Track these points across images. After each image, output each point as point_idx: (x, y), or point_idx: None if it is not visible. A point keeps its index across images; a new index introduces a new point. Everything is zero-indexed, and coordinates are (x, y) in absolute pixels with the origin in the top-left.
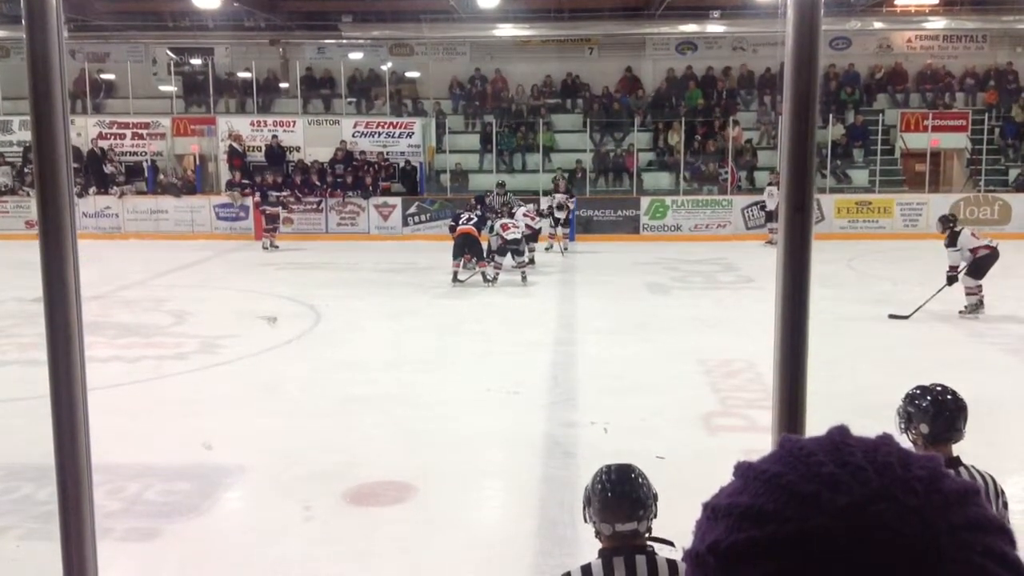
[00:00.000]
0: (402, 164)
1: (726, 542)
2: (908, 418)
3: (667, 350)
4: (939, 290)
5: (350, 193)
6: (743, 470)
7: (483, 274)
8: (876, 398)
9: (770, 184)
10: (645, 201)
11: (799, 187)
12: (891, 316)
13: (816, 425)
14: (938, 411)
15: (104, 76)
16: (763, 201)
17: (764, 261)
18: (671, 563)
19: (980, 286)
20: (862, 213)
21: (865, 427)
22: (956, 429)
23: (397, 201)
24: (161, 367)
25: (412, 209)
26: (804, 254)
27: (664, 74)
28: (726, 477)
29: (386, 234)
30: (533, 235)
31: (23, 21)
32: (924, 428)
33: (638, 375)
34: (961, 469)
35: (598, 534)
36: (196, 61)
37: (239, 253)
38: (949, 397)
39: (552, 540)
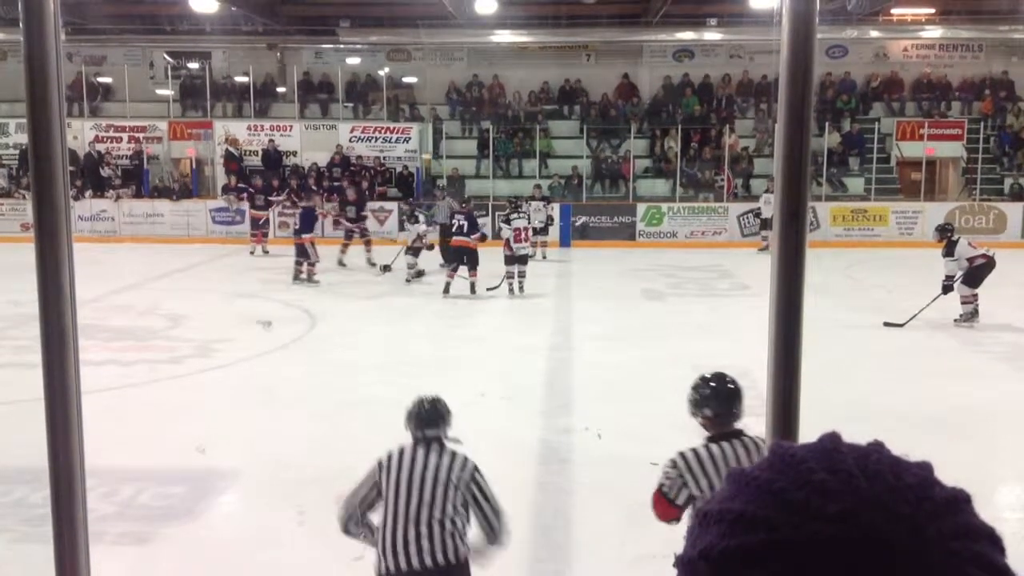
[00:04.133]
0: (399, 169)
1: (718, 548)
2: (696, 404)
3: (662, 356)
4: (934, 299)
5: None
6: (735, 476)
7: (470, 285)
8: (870, 405)
9: (767, 192)
10: (641, 208)
11: (793, 195)
12: (886, 324)
13: (810, 432)
14: (719, 396)
15: (101, 79)
16: (759, 208)
17: (759, 268)
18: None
19: (976, 295)
20: (857, 221)
21: (859, 434)
22: (734, 412)
23: (393, 206)
24: (156, 371)
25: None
26: (798, 262)
27: (661, 81)
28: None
29: (382, 238)
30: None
31: (21, 24)
32: (708, 412)
33: (633, 381)
34: (744, 439)
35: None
36: (193, 65)
37: (235, 257)
38: (729, 385)
39: (546, 546)
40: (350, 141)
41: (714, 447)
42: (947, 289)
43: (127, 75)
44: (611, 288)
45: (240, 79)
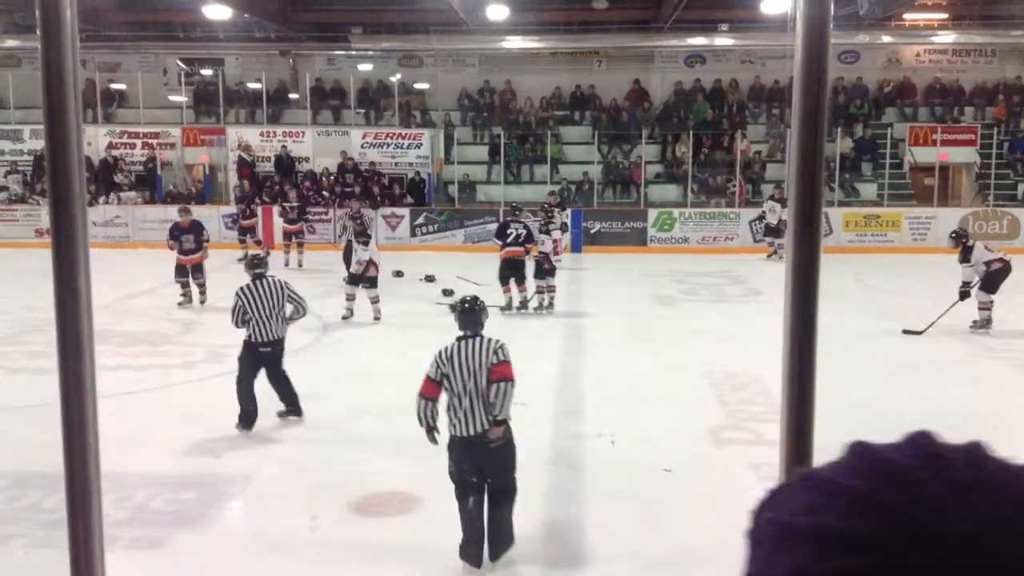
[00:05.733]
0: (410, 175)
1: (815, 571)
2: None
3: (674, 363)
4: (952, 305)
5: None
6: (817, 482)
7: (525, 301)
8: (884, 412)
9: (770, 199)
10: (653, 213)
11: (808, 200)
12: (905, 331)
13: (823, 439)
14: (463, 313)
15: (115, 86)
16: (763, 214)
17: (772, 274)
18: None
19: (992, 301)
20: (870, 227)
21: (861, 438)
22: (474, 323)
23: (405, 212)
24: (169, 376)
25: (420, 220)
26: (813, 268)
27: (672, 87)
28: (733, 490)
29: (394, 244)
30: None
31: (38, 31)
32: (458, 323)
33: (645, 388)
34: (480, 338)
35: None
36: (207, 71)
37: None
38: (467, 304)
39: (558, 552)
40: (362, 147)
41: (461, 344)
42: (964, 295)
43: (141, 82)
44: (622, 294)
45: (253, 85)
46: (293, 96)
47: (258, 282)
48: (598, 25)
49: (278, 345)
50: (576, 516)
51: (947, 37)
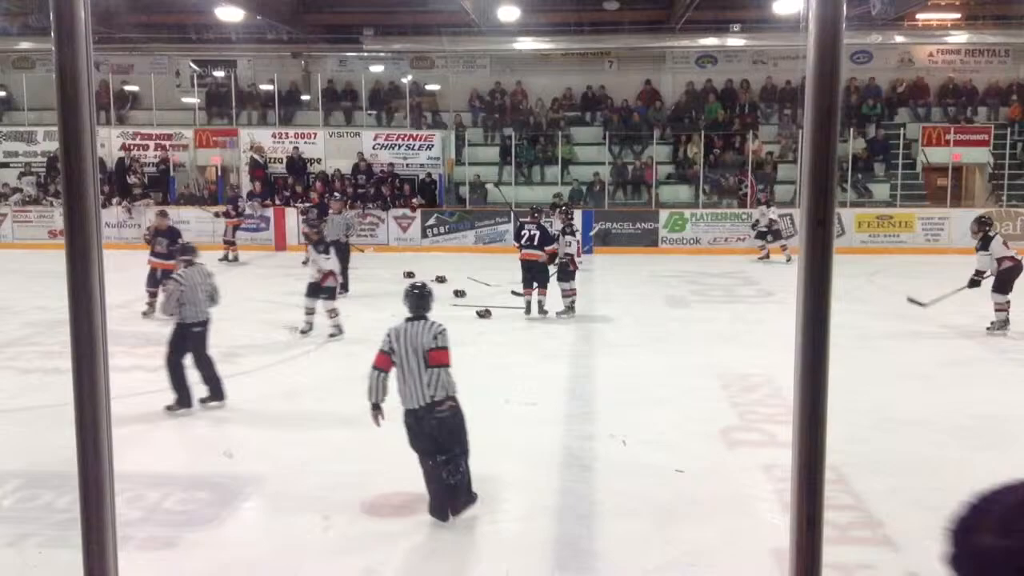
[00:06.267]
0: (422, 176)
1: None
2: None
3: (685, 364)
4: (958, 289)
5: (370, 205)
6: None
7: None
8: (896, 413)
9: (760, 203)
10: (664, 214)
11: (821, 201)
12: (909, 300)
13: (836, 440)
14: (410, 297)
15: (128, 88)
16: (787, 214)
17: (784, 275)
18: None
19: (1008, 302)
20: (883, 227)
21: (884, 442)
22: (420, 307)
23: (416, 213)
24: None
25: (431, 221)
26: (825, 268)
27: (684, 87)
28: (746, 492)
29: (405, 245)
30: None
31: (52, 34)
32: (405, 306)
33: (656, 388)
34: (425, 321)
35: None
36: (219, 73)
37: (259, 263)
38: (416, 289)
39: (569, 553)
40: (373, 148)
41: (408, 324)
42: (974, 283)
43: (153, 83)
44: (634, 295)
45: (265, 87)
46: (305, 98)
47: (190, 268)
48: (609, 26)
49: (206, 327)
50: (587, 517)
51: (960, 37)
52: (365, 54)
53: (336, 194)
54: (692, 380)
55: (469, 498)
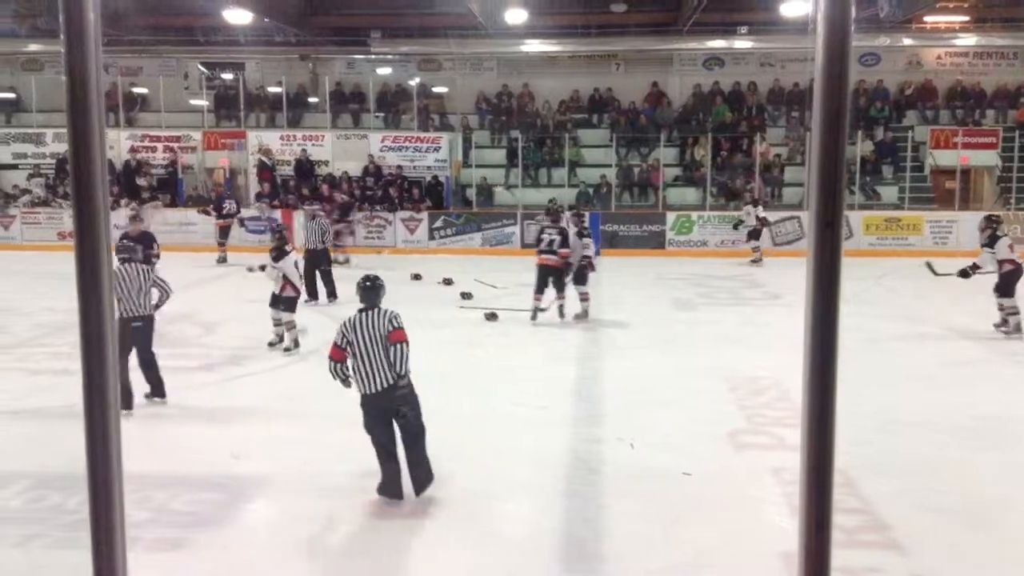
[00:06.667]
0: (428, 178)
1: None
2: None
3: (693, 366)
4: (949, 274)
5: (377, 207)
6: None
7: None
8: (902, 415)
9: (746, 203)
10: (671, 216)
11: (829, 203)
12: (927, 265)
13: (844, 443)
14: (363, 290)
15: (136, 90)
16: (795, 216)
17: (791, 277)
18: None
19: (1016, 306)
20: (891, 230)
21: (889, 444)
22: (372, 298)
23: (423, 215)
24: (189, 378)
25: (438, 223)
26: (834, 271)
27: (691, 89)
28: (754, 495)
29: (412, 247)
30: None
31: (61, 36)
32: (359, 297)
33: (663, 391)
34: (379, 310)
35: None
36: (227, 75)
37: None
38: (368, 283)
39: (577, 556)
40: (380, 151)
41: (361, 315)
42: (964, 274)
43: (162, 86)
44: (641, 297)
45: (273, 89)
46: (313, 100)
47: (125, 264)
48: (616, 28)
49: (147, 322)
50: (594, 519)
51: (969, 39)
52: (373, 56)
53: (314, 202)
54: (699, 383)
55: (430, 476)
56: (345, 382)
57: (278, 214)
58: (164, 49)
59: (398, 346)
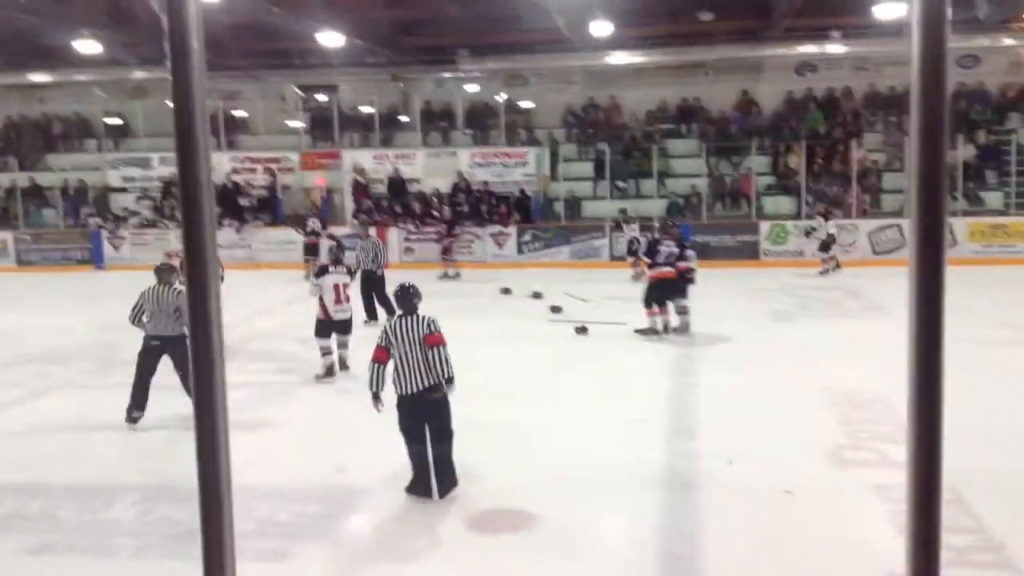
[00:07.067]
0: (516, 193)
1: None
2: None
3: (791, 380)
4: None
5: (467, 223)
6: None
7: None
8: (1012, 429)
9: (819, 215)
10: (765, 226)
11: (931, 210)
12: None
13: (950, 458)
14: (399, 297)
15: (236, 113)
16: (895, 224)
17: (892, 287)
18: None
19: None
20: (997, 237)
21: (1000, 459)
22: (410, 304)
23: (512, 229)
24: (292, 392)
25: (526, 237)
26: (937, 280)
27: (783, 96)
28: (858, 513)
29: (501, 262)
30: None
31: (167, 63)
32: (395, 306)
33: (761, 406)
34: (418, 315)
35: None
36: (322, 97)
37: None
38: (403, 290)
39: (676, 573)
40: (469, 167)
41: (401, 320)
42: None
43: (260, 109)
44: (736, 309)
45: (366, 109)
46: (404, 119)
47: (161, 286)
48: (704, 37)
49: (167, 341)
50: (692, 536)
51: None
52: (461, 74)
53: (362, 215)
54: (799, 397)
55: (455, 480)
56: (376, 399)
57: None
58: (262, 73)
59: (436, 349)
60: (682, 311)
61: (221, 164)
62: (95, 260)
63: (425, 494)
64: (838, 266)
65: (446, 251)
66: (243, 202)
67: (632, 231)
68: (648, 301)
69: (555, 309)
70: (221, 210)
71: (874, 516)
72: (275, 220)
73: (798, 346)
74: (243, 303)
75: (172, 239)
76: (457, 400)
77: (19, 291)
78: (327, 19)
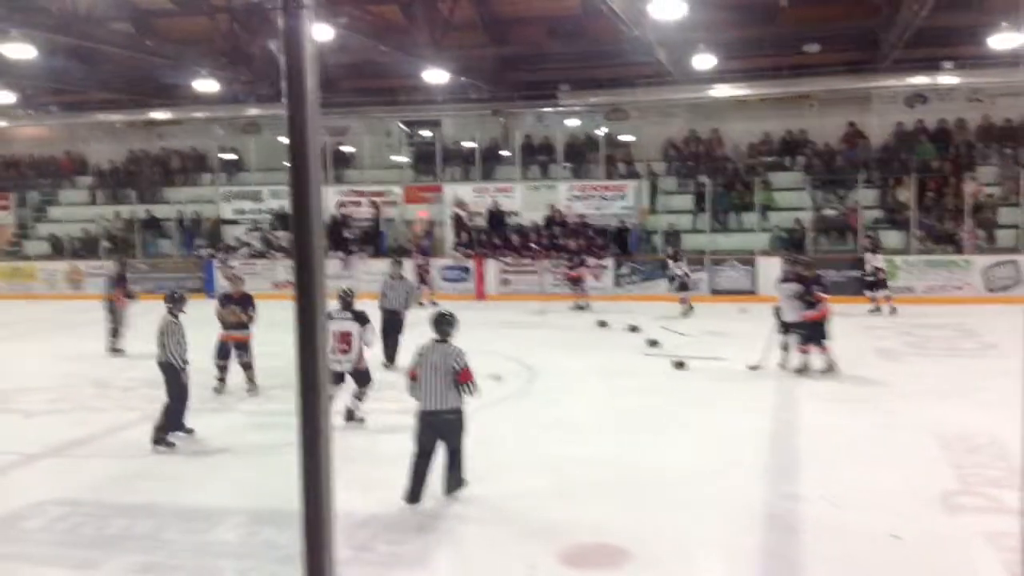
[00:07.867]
0: (615, 225)
1: None
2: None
3: (899, 421)
4: None
5: (564, 255)
6: None
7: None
8: None
9: (866, 250)
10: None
11: None
12: None
13: None
14: (437, 323)
15: (344, 148)
16: (1011, 261)
17: (1007, 326)
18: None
19: None
20: None
21: None
22: (444, 331)
23: (609, 262)
24: (386, 420)
25: (624, 270)
26: None
27: (892, 128)
28: (969, 561)
29: (599, 294)
30: None
31: (284, 100)
32: (434, 332)
33: (867, 447)
34: (447, 343)
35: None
36: (425, 132)
37: (464, 312)
38: (439, 317)
39: None
40: (567, 200)
41: (434, 344)
42: None
43: (367, 144)
44: (840, 346)
45: (467, 144)
46: (504, 153)
47: (179, 315)
48: (810, 69)
49: (168, 370)
50: None
51: None
52: (561, 109)
53: (405, 258)
54: (907, 438)
55: (460, 481)
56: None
57: (471, 263)
58: (368, 109)
59: (465, 385)
60: (823, 350)
61: (328, 197)
62: (206, 289)
63: (413, 501)
64: (893, 310)
65: (575, 282)
66: (347, 234)
67: (680, 268)
68: (817, 338)
69: (652, 343)
70: (327, 242)
71: (987, 565)
72: (379, 252)
73: (907, 386)
74: None
75: (279, 269)
76: (552, 431)
77: (132, 318)
78: (432, 57)
